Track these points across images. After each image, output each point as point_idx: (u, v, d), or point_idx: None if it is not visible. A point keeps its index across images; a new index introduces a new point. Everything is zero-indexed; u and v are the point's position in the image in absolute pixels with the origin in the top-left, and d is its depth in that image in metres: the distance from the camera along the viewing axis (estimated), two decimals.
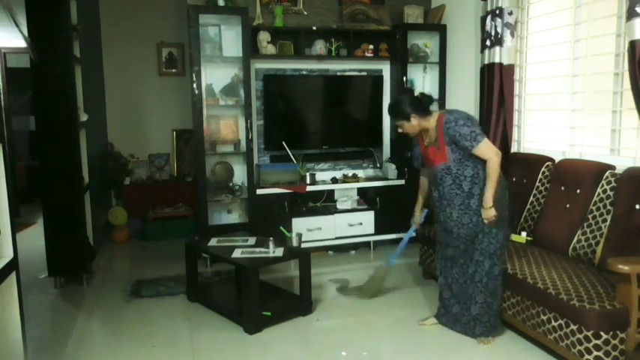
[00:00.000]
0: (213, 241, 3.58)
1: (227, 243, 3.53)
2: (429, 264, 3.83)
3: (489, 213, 2.77)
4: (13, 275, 2.15)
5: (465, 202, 2.83)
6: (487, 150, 2.75)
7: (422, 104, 2.90)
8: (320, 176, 4.79)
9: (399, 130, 3.01)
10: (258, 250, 3.34)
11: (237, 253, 3.28)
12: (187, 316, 3.36)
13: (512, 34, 3.82)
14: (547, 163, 3.53)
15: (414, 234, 3.48)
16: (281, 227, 3.76)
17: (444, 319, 3.08)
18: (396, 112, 2.96)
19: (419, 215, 3.37)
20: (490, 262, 2.86)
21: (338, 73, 4.86)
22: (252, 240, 3.59)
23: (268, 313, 3.15)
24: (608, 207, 2.94)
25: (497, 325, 2.96)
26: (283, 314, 3.24)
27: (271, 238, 3.32)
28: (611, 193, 2.95)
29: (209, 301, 3.50)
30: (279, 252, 3.30)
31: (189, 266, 3.60)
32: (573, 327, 2.43)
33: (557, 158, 3.51)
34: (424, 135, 2.96)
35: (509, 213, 2.97)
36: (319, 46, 4.66)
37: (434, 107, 3.02)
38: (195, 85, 4.25)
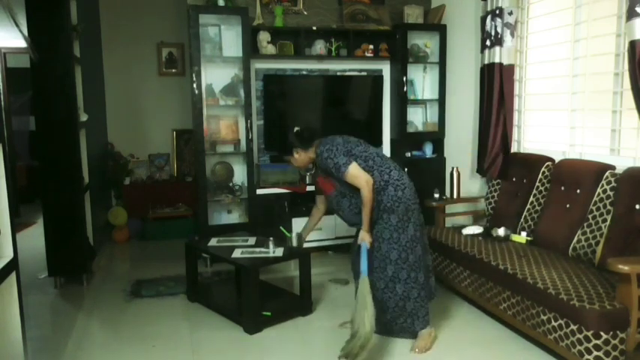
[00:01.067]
0: (213, 241, 3.58)
1: (227, 243, 3.53)
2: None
3: (365, 237, 2.82)
4: (13, 275, 2.15)
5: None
6: (354, 179, 2.78)
7: (303, 137, 2.97)
8: None
9: (291, 166, 3.18)
10: (258, 250, 3.33)
11: (237, 253, 3.27)
12: (187, 316, 3.36)
13: (512, 34, 3.82)
14: (547, 163, 3.53)
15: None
16: (281, 227, 3.75)
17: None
18: (287, 147, 3.05)
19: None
20: (394, 267, 2.80)
21: (338, 73, 4.86)
22: (252, 240, 3.59)
23: (268, 313, 3.15)
24: (608, 207, 2.94)
25: (415, 324, 2.85)
26: (283, 314, 3.24)
27: (271, 238, 3.31)
28: (611, 193, 2.95)
29: (209, 301, 3.50)
30: (279, 252, 3.29)
31: (189, 266, 3.60)
32: (573, 327, 2.43)
33: (557, 158, 3.51)
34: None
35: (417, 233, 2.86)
36: (319, 46, 4.66)
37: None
38: (195, 85, 4.25)
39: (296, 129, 3.00)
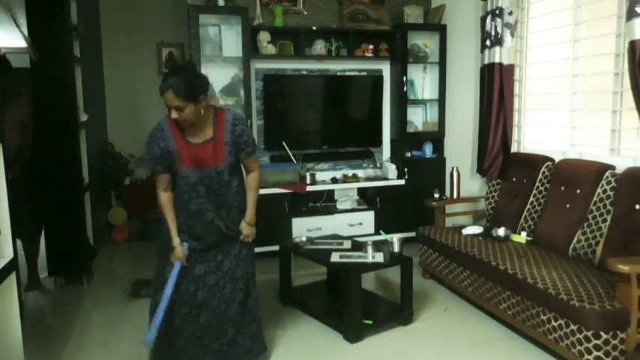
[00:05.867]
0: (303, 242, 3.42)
1: (322, 246, 3.39)
2: (429, 264, 3.83)
3: (251, 230, 2.53)
4: (13, 275, 2.15)
5: (231, 215, 2.51)
6: (258, 162, 2.59)
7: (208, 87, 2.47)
8: (320, 176, 4.79)
9: (174, 116, 2.36)
10: (356, 254, 3.18)
11: (335, 258, 3.15)
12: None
13: (512, 34, 3.82)
14: (547, 163, 3.53)
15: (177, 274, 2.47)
16: (381, 231, 3.60)
17: None
18: (188, 88, 2.29)
19: (180, 248, 2.44)
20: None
21: (338, 73, 4.86)
22: (347, 243, 3.44)
23: (370, 322, 2.98)
24: (608, 207, 2.94)
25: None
26: (383, 323, 3.08)
27: (369, 242, 3.15)
28: (611, 193, 2.95)
29: (304, 306, 3.34)
30: (379, 257, 3.11)
31: (283, 269, 3.45)
32: (573, 327, 2.43)
33: (557, 158, 3.51)
34: (189, 130, 2.44)
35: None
36: (319, 46, 4.66)
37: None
38: None
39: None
